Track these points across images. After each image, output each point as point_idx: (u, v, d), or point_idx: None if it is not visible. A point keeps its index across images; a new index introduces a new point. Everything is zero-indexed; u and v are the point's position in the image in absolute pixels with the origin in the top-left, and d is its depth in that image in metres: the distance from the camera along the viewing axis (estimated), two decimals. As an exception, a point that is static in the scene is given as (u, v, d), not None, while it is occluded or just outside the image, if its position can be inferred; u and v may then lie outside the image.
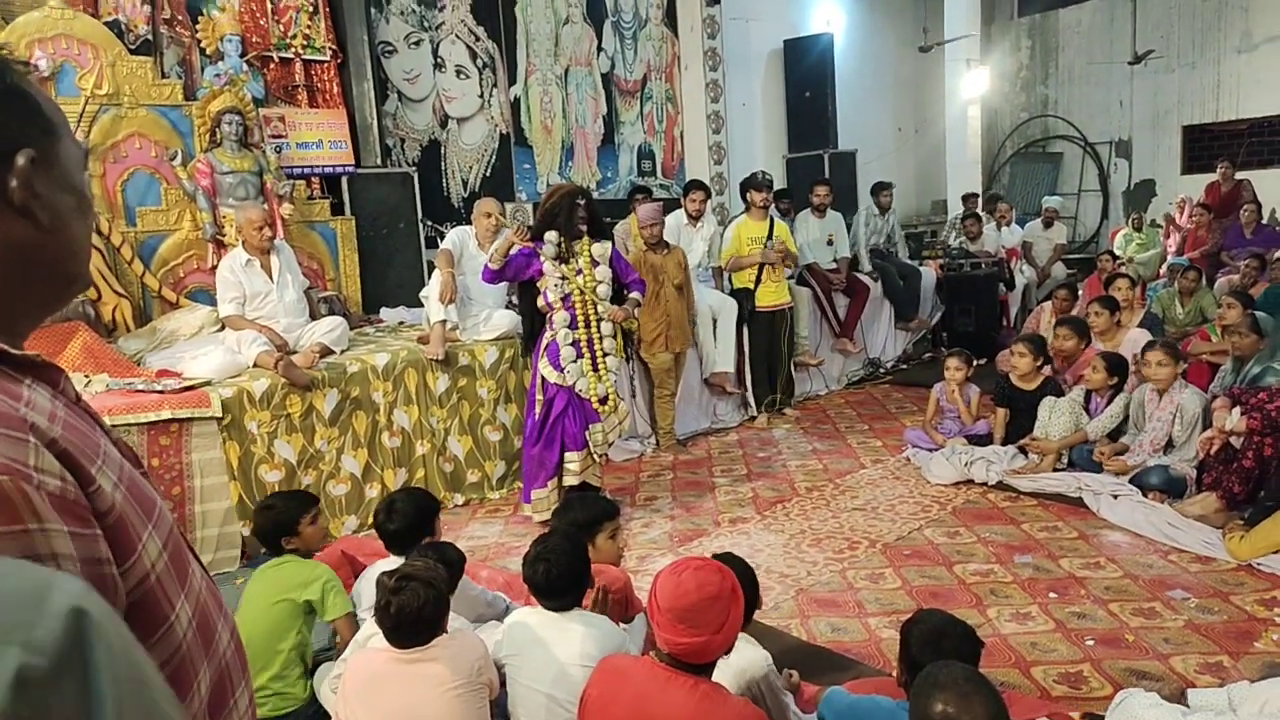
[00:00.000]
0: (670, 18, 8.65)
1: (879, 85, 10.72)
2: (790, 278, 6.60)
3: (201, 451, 3.94)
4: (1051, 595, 3.45)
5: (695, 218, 6.29)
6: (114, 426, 3.57)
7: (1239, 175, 9.26)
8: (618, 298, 4.39)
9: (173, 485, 3.85)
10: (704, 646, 1.88)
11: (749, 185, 6.23)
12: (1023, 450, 4.99)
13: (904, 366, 7.88)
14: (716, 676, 2.05)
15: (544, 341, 4.29)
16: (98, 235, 4.57)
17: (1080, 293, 7.12)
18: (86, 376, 3.94)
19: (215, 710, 0.85)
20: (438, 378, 4.74)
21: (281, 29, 5.59)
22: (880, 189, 7.95)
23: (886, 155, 10.65)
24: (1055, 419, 4.93)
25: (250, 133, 5.11)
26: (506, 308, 5.14)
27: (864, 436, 5.89)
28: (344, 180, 5.87)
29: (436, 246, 5.24)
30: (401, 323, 5.64)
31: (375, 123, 6.19)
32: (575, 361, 4.23)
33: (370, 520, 3.89)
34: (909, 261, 8.20)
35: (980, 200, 9.64)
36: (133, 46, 4.98)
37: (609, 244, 4.39)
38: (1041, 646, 3.07)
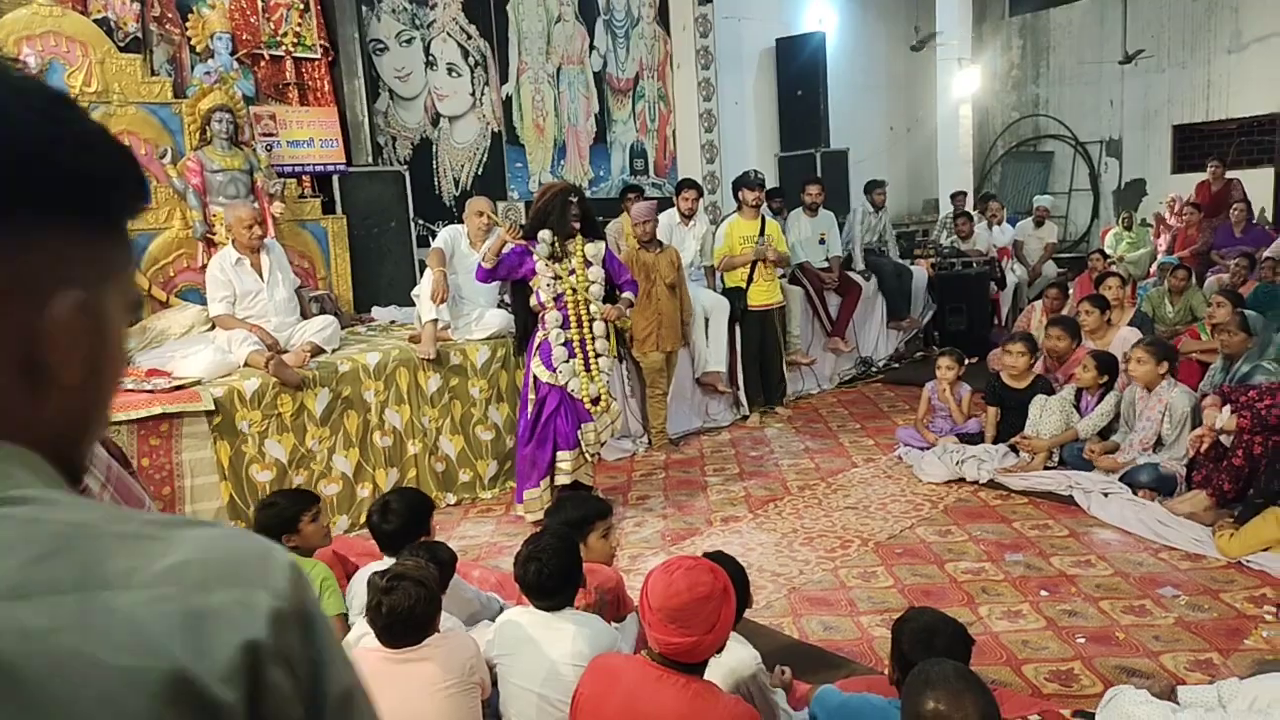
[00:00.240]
0: (662, 16, 8.65)
1: (871, 84, 10.74)
2: (782, 277, 6.60)
3: (192, 451, 3.92)
4: (1042, 593, 3.46)
5: (688, 216, 6.29)
6: (103, 426, 3.56)
7: (1229, 175, 9.31)
8: (610, 298, 4.38)
9: (163, 485, 3.83)
10: (695, 646, 1.88)
11: (741, 184, 6.23)
12: (1014, 449, 5.01)
13: (896, 365, 7.90)
14: (708, 675, 2.05)
15: (536, 340, 4.29)
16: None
17: (1071, 291, 7.14)
18: (76, 376, 3.92)
19: None
20: (429, 377, 4.73)
21: (272, 26, 5.57)
22: (874, 187, 7.97)
23: (878, 154, 10.67)
24: (1046, 417, 4.94)
25: (241, 131, 5.09)
26: (498, 307, 5.13)
27: (856, 435, 5.90)
28: (335, 179, 5.85)
29: (428, 245, 5.23)
30: (393, 322, 5.63)
31: (366, 121, 6.17)
32: (568, 361, 4.23)
33: (362, 520, 3.89)
34: (900, 260, 8.23)
35: (970, 199, 9.67)
36: (122, 44, 4.95)
37: (602, 244, 4.39)
38: (1033, 644, 3.08)
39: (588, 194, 6.00)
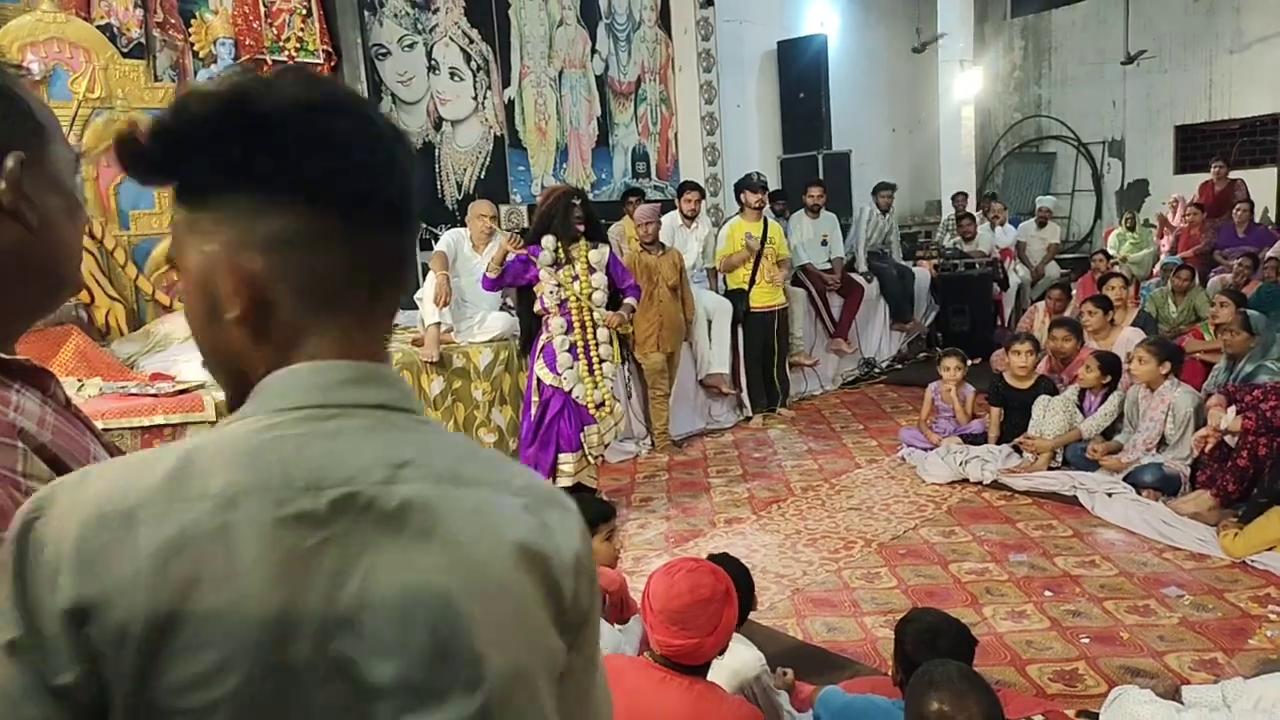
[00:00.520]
0: (664, 20, 8.66)
1: (873, 86, 10.74)
2: (785, 278, 6.60)
3: (196, 455, 3.93)
4: (1046, 593, 3.46)
5: (690, 218, 6.29)
6: (108, 431, 3.57)
7: (1232, 175, 9.30)
8: (614, 302, 4.39)
9: (167, 489, 3.83)
10: (697, 648, 1.88)
11: (743, 186, 6.24)
12: (1017, 449, 5.01)
13: (899, 366, 7.89)
14: (712, 676, 2.05)
15: (540, 343, 4.30)
16: (91, 239, 4.56)
17: (1074, 292, 7.14)
18: (80, 381, 3.93)
19: None
20: (432, 380, 4.74)
21: (275, 32, 5.58)
22: (881, 189, 7.97)
23: (881, 156, 10.67)
24: (1049, 418, 4.94)
25: (244, 135, 5.09)
26: (501, 309, 5.14)
27: (859, 436, 5.90)
28: (338, 183, 5.85)
29: (431, 249, 5.23)
30: (396, 325, 5.63)
31: (369, 125, 6.17)
32: (572, 366, 4.24)
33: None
34: (903, 262, 8.23)
35: (971, 199, 9.67)
36: (125, 50, 4.96)
37: (606, 249, 4.40)
38: (1037, 644, 3.08)
39: (590, 197, 6.01)
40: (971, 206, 9.53)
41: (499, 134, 7.50)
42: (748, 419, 6.41)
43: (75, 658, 0.61)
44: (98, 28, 4.84)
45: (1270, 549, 3.60)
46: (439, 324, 4.79)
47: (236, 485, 0.64)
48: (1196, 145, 11.30)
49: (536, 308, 4.30)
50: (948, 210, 9.68)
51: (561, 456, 4.27)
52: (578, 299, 4.23)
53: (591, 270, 4.28)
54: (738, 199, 6.35)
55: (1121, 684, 2.64)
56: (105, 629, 0.61)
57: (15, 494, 0.68)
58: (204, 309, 0.72)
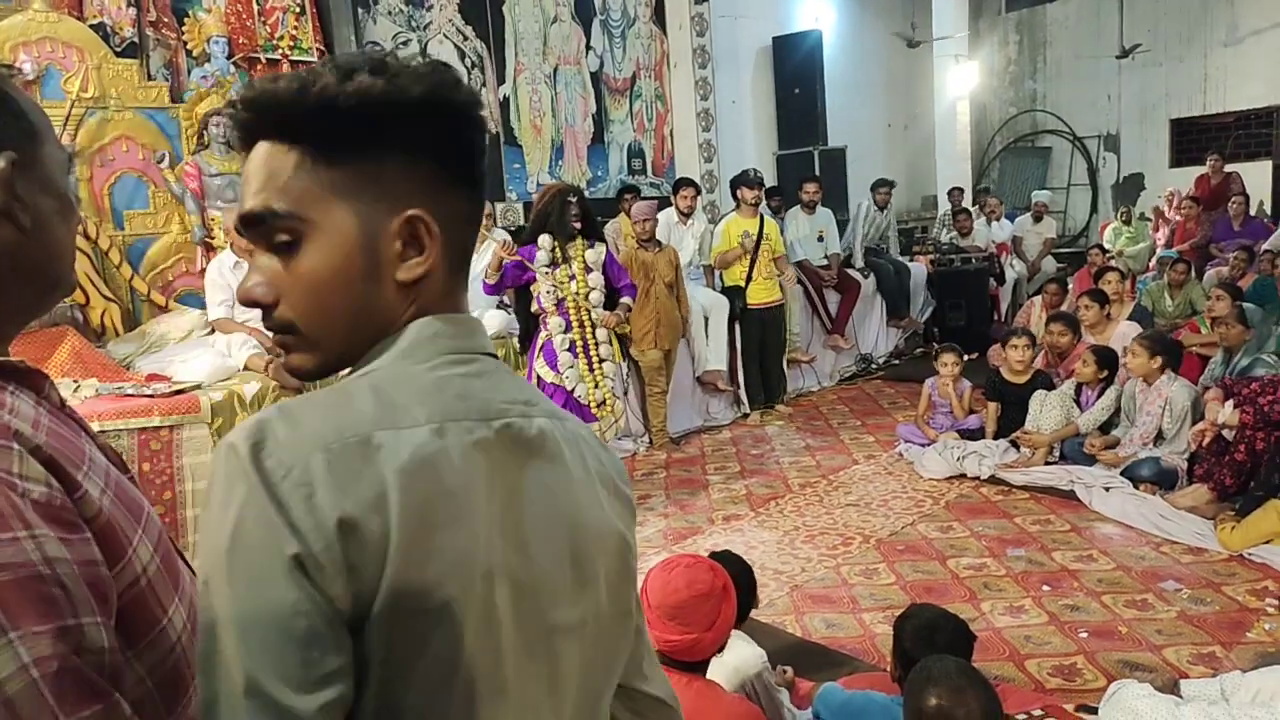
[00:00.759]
0: (659, 16, 8.64)
1: (868, 81, 10.72)
2: (780, 275, 6.59)
3: (193, 455, 3.92)
4: (1045, 588, 3.46)
5: (686, 215, 6.29)
6: (104, 432, 3.56)
7: (1227, 168, 9.30)
8: (610, 301, 4.39)
9: (164, 490, 3.83)
10: (694, 644, 1.88)
11: (740, 182, 6.23)
12: (1014, 444, 5.01)
13: (896, 362, 7.90)
14: (712, 674, 2.05)
15: (539, 342, 4.29)
16: (85, 239, 4.54)
17: (1070, 287, 7.15)
18: (75, 381, 3.92)
19: None
20: (429, 378, 4.73)
21: (268, 30, 5.56)
22: (880, 185, 7.96)
23: (877, 151, 10.66)
24: (1046, 412, 4.94)
25: (238, 135, 5.08)
26: (499, 307, 5.13)
27: (856, 432, 5.90)
28: (333, 181, 5.84)
29: (427, 247, 5.23)
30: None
31: (364, 123, 6.15)
32: (573, 366, 4.23)
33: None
34: (900, 258, 8.23)
35: (967, 194, 9.67)
36: (118, 49, 4.94)
37: (603, 248, 4.39)
38: (1035, 639, 3.08)
39: (586, 194, 6.00)
40: (968, 202, 9.53)
41: (494, 131, 7.48)
42: (745, 416, 6.41)
43: (340, 570, 0.67)
44: (90, 27, 4.81)
45: (1267, 542, 3.61)
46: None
47: (437, 415, 0.75)
48: (1192, 139, 11.30)
49: (534, 307, 4.30)
50: (944, 206, 9.68)
51: (560, 454, 4.26)
52: (575, 299, 4.23)
53: (588, 270, 4.28)
54: (734, 195, 6.34)
55: (1120, 678, 2.65)
56: (363, 542, 0.68)
57: (12, 496, 0.68)
58: (359, 267, 0.78)
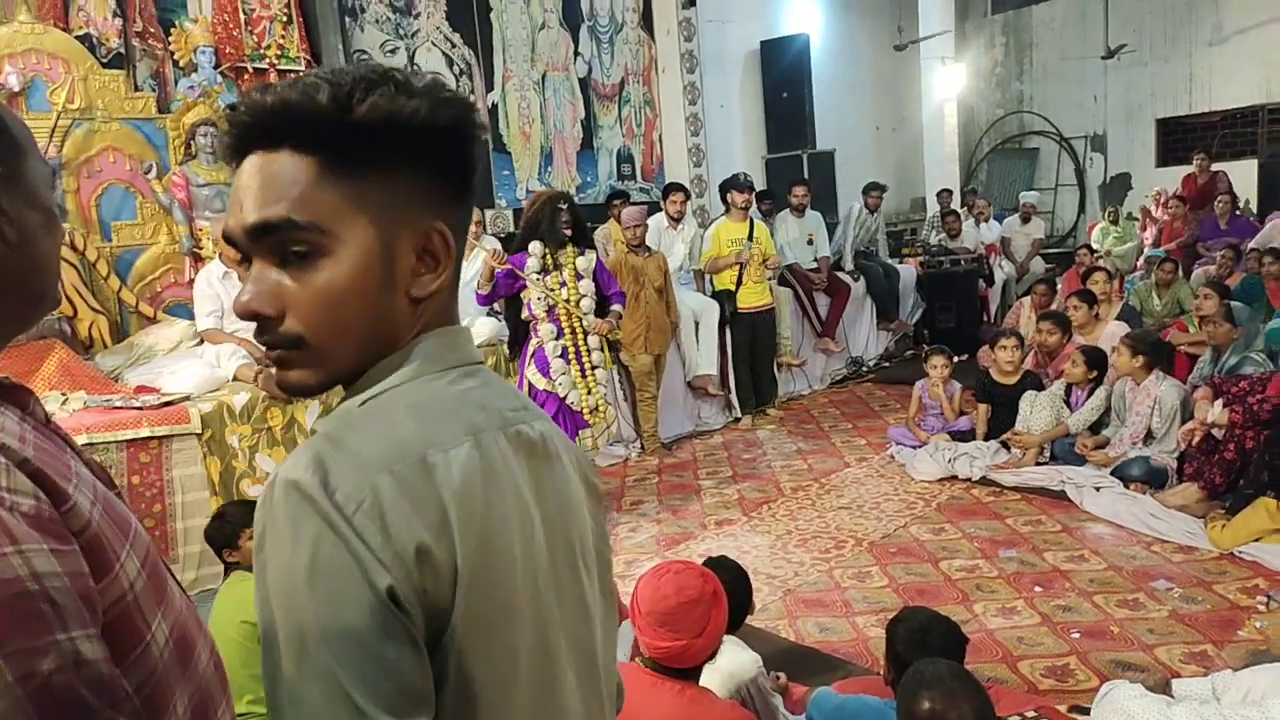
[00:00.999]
0: (646, 21, 8.66)
1: (856, 84, 10.76)
2: (771, 279, 6.61)
3: (182, 467, 3.91)
4: (1036, 589, 3.47)
5: (676, 219, 6.29)
6: (93, 445, 3.54)
7: (1213, 167, 9.36)
8: (600, 309, 4.39)
9: (154, 502, 3.81)
10: (684, 650, 1.87)
11: (730, 186, 6.24)
12: (1005, 445, 5.02)
13: (886, 364, 7.92)
14: (706, 680, 2.05)
15: (530, 348, 4.29)
16: (73, 251, 4.52)
17: (1059, 287, 7.18)
18: (64, 394, 3.90)
19: None
20: (420, 387, 4.72)
21: (255, 40, 5.56)
22: (871, 189, 7.98)
23: (865, 154, 10.69)
24: (1036, 413, 4.96)
25: (225, 144, 5.06)
26: (489, 314, 5.12)
27: (848, 435, 5.91)
28: (321, 190, 5.82)
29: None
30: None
31: (352, 132, 6.14)
32: (566, 372, 4.23)
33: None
34: (889, 260, 8.25)
35: (955, 196, 9.71)
36: (105, 60, 4.92)
37: (593, 255, 4.40)
38: (1028, 640, 3.09)
39: (576, 200, 5.99)
40: (956, 203, 9.57)
41: (483, 138, 7.47)
42: (737, 420, 6.42)
43: (419, 596, 0.70)
44: (76, 38, 4.80)
45: (1257, 540, 3.63)
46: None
47: (471, 430, 0.78)
48: (1178, 138, 11.37)
49: (524, 314, 4.29)
50: (932, 208, 9.71)
51: (553, 461, 4.26)
52: (566, 305, 4.23)
53: (579, 277, 4.28)
54: (723, 200, 6.35)
55: (1112, 678, 2.65)
56: (435, 567, 0.71)
57: (0, 511, 0.67)
58: (375, 279, 0.78)
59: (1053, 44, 12.25)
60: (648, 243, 5.71)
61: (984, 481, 4.74)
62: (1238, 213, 8.90)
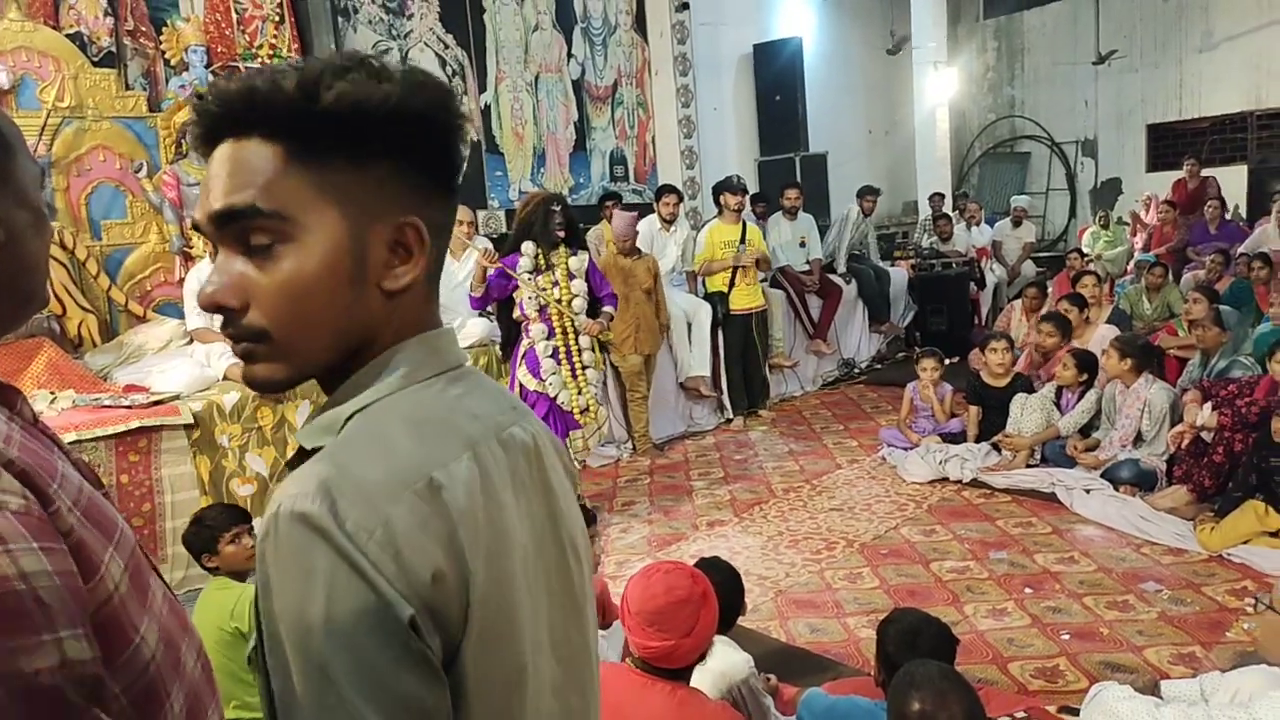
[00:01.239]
0: (640, 23, 8.67)
1: (848, 88, 10.79)
2: (763, 280, 6.62)
3: (172, 467, 3.89)
4: (1027, 590, 3.48)
5: (669, 222, 6.29)
6: (81, 442, 3.52)
7: (1203, 173, 9.41)
8: (592, 311, 4.39)
9: (143, 502, 3.79)
10: (672, 651, 1.87)
11: (723, 188, 6.25)
12: (996, 447, 5.04)
13: (878, 366, 7.93)
14: (697, 681, 2.05)
15: (521, 349, 4.28)
16: (62, 250, 4.50)
17: (1050, 290, 7.20)
18: (52, 393, 3.88)
19: None
20: (412, 387, 4.70)
21: (247, 39, 5.54)
22: (866, 192, 7.99)
23: (858, 157, 10.72)
24: (1027, 415, 4.97)
25: (216, 143, 5.04)
26: (480, 315, 5.12)
27: (839, 437, 5.92)
28: (313, 190, 5.81)
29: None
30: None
31: (344, 132, 6.12)
32: (556, 372, 4.23)
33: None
34: (881, 263, 8.27)
35: (947, 200, 9.74)
36: (96, 58, 4.90)
37: (585, 255, 4.39)
38: (1018, 642, 3.10)
39: (569, 201, 5.99)
40: (948, 207, 9.60)
41: (475, 139, 7.47)
42: (729, 421, 6.42)
43: (434, 620, 0.69)
44: (67, 36, 4.78)
45: (1246, 542, 3.64)
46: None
47: (468, 442, 0.77)
48: (1168, 144, 11.43)
49: (516, 314, 4.29)
50: (924, 211, 9.74)
51: (544, 462, 4.25)
52: (557, 305, 4.22)
53: (571, 277, 4.28)
54: (716, 202, 6.36)
55: (1102, 680, 2.66)
56: (447, 590, 0.70)
57: None
58: (343, 272, 0.76)
59: (1044, 49, 12.30)
60: (639, 245, 5.71)
61: (975, 483, 4.75)
62: (1227, 218, 8.94)
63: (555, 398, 4.23)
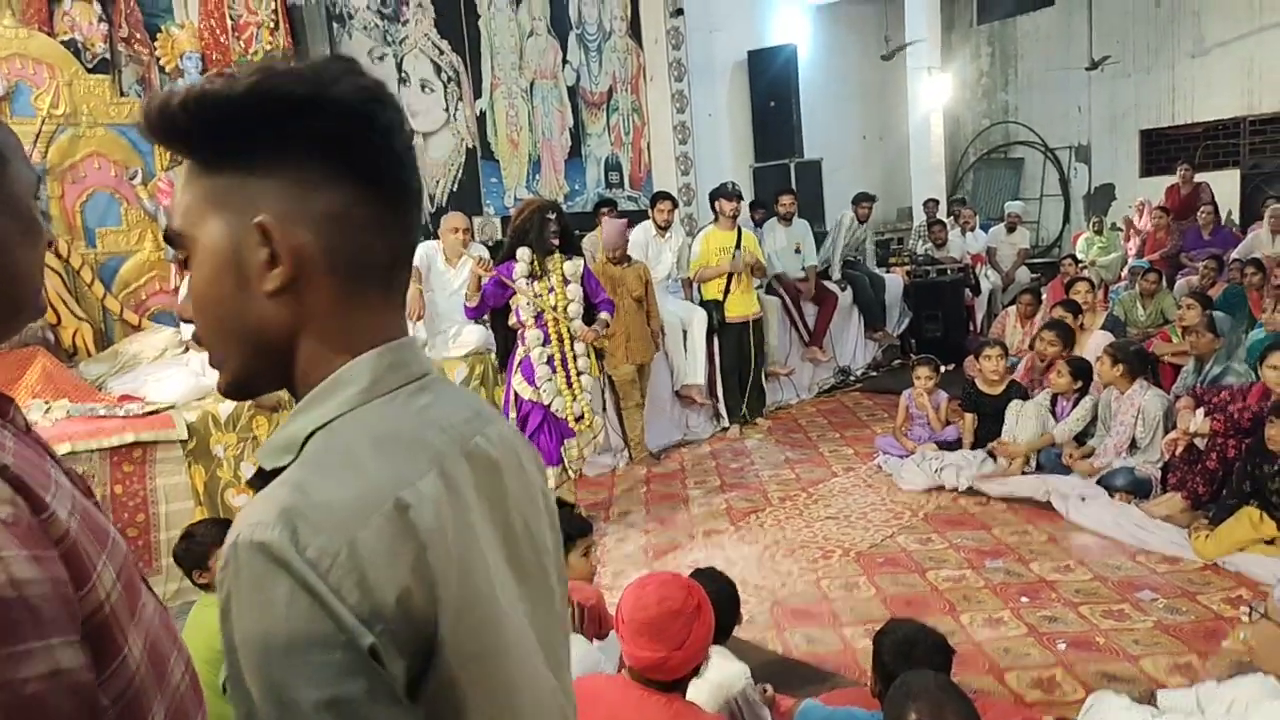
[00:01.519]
0: (634, 29, 8.68)
1: (843, 94, 10.81)
2: (759, 287, 6.62)
3: (166, 477, 3.87)
4: (1023, 599, 3.48)
5: (664, 228, 6.30)
6: (75, 453, 3.51)
7: (1196, 178, 9.44)
8: (588, 317, 4.38)
9: (137, 512, 3.78)
10: (664, 662, 1.85)
11: (718, 195, 6.25)
12: (992, 455, 5.04)
13: (874, 374, 7.94)
14: (694, 692, 2.04)
15: (517, 357, 4.28)
16: (56, 258, 4.49)
17: (1044, 297, 7.22)
18: (47, 403, 3.86)
19: None
20: (407, 395, 4.70)
21: (242, 45, 5.54)
22: (862, 199, 7.99)
23: (853, 163, 10.74)
24: (1022, 423, 4.98)
25: (212, 151, 5.04)
26: (476, 323, 5.11)
27: (835, 445, 5.92)
28: (308, 197, 5.80)
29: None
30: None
31: (339, 138, 6.12)
32: (551, 380, 4.22)
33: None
34: (875, 270, 8.28)
35: (942, 206, 9.76)
36: (90, 65, 4.90)
37: (580, 262, 4.39)
38: (1014, 652, 3.10)
39: (564, 207, 6.00)
40: (942, 213, 9.62)
41: (471, 145, 7.47)
42: (725, 429, 6.42)
43: (400, 643, 0.67)
44: (61, 43, 4.77)
45: (1241, 550, 3.65)
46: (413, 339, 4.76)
47: (435, 456, 0.76)
48: (1161, 149, 11.47)
49: (512, 320, 4.29)
50: (919, 217, 9.76)
51: (540, 471, 4.25)
52: (553, 311, 4.22)
53: (566, 282, 4.27)
54: (712, 208, 6.36)
55: (1098, 690, 2.66)
56: (413, 611, 0.68)
57: None
58: (229, 280, 0.75)
59: (1037, 55, 12.34)
60: (634, 252, 5.71)
61: (970, 491, 4.75)
62: (1221, 224, 8.98)
63: (550, 405, 4.22)
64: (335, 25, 6.45)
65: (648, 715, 1.88)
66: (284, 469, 0.73)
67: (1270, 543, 3.63)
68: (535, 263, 4.20)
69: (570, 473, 4.37)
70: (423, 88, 7.17)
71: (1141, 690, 2.69)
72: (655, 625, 1.85)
